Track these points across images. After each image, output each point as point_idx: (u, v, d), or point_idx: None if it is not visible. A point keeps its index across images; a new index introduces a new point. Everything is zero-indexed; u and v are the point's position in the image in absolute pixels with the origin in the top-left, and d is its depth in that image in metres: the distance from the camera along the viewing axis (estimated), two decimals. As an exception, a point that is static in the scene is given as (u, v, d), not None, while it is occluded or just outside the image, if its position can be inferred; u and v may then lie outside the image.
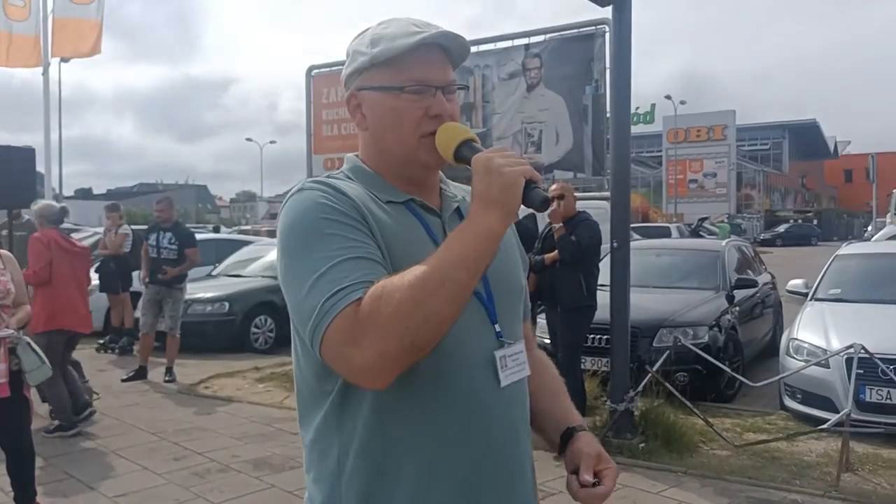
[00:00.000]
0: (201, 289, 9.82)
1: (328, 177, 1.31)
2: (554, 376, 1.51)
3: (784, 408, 6.10)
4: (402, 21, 1.31)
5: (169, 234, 7.83)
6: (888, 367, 5.04)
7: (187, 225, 9.92)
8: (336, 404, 1.23)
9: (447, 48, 1.31)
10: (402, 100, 1.28)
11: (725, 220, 42.70)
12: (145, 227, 9.02)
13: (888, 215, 31.24)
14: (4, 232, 7.75)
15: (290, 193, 1.27)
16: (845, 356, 5.26)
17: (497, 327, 1.29)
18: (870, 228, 30.01)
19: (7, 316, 3.91)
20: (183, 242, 7.86)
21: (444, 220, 1.34)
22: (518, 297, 1.40)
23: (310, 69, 8.28)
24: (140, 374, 7.74)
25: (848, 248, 8.22)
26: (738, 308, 7.47)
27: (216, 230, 20.78)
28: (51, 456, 5.17)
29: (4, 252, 4.19)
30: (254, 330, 9.76)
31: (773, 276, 9.79)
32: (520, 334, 1.36)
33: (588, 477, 1.28)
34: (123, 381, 7.62)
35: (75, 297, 5.86)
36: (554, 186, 5.67)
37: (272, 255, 11.04)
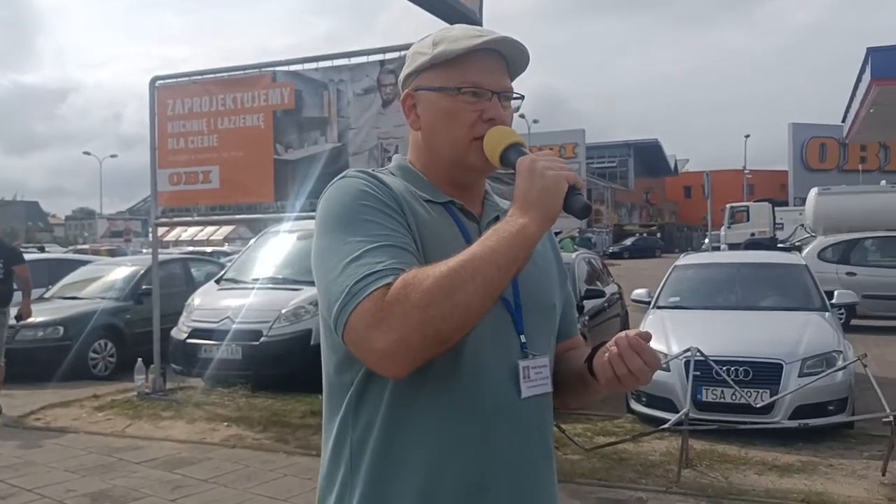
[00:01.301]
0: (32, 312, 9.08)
1: (373, 169, 1.31)
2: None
3: (631, 411, 6.38)
4: (465, 26, 1.35)
5: None
6: (721, 369, 5.39)
7: (15, 245, 9.16)
8: (353, 401, 1.23)
9: (507, 56, 1.33)
10: (457, 101, 1.29)
11: (574, 236, 44.69)
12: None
13: (722, 228, 33.86)
14: None
15: (333, 181, 1.28)
16: (683, 359, 5.57)
17: (523, 338, 1.28)
18: (706, 241, 32.33)
19: None
20: (8, 260, 7.22)
21: (482, 226, 1.33)
22: (549, 315, 1.38)
23: (154, 80, 7.88)
24: None
25: (685, 259, 8.77)
26: (587, 317, 7.77)
27: (41, 249, 19.30)
28: None
29: None
30: (92, 355, 9.12)
31: (619, 287, 10.29)
32: (547, 350, 1.33)
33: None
34: None
35: None
36: None
37: (114, 275, 10.44)
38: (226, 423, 6.41)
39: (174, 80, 7.93)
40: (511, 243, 1.11)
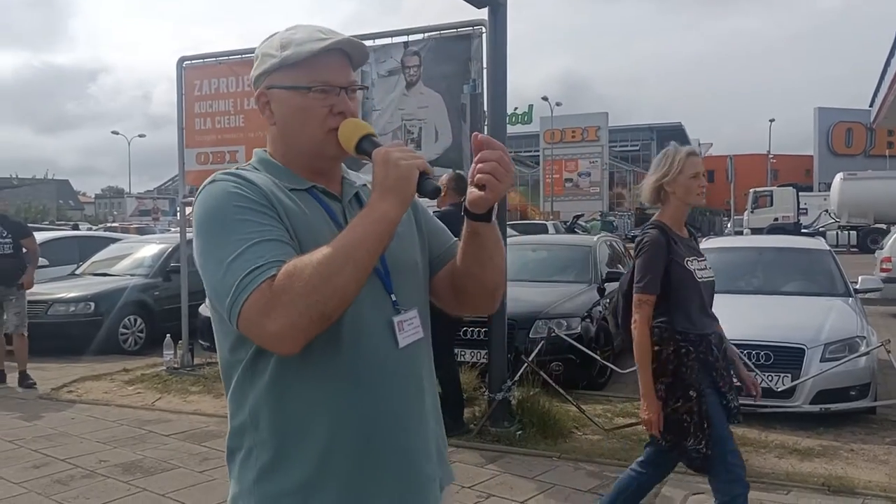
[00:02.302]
0: (63, 288, 9.28)
1: (237, 168, 1.44)
2: None
3: (651, 393, 6.41)
4: (309, 28, 1.47)
5: None
6: (742, 352, 5.39)
7: (46, 222, 9.34)
8: (248, 369, 1.38)
9: (349, 53, 1.48)
10: (308, 98, 1.43)
11: (597, 218, 44.47)
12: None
13: (745, 213, 33.61)
14: None
15: (202, 186, 1.40)
16: (705, 342, 5.59)
17: (393, 297, 1.45)
18: (729, 225, 32.09)
19: None
20: (17, 234, 7.36)
21: (344, 204, 1.49)
22: (413, 272, 1.53)
23: (181, 60, 7.97)
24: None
25: (707, 243, 8.74)
26: (608, 300, 7.79)
27: (74, 227, 19.64)
28: None
29: None
30: (122, 331, 9.31)
31: (641, 270, 10.25)
32: (415, 303, 1.50)
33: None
34: None
35: None
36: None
37: (143, 253, 10.60)
38: (252, 399, 6.53)
39: (201, 60, 8.01)
40: (376, 228, 1.28)
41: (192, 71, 7.91)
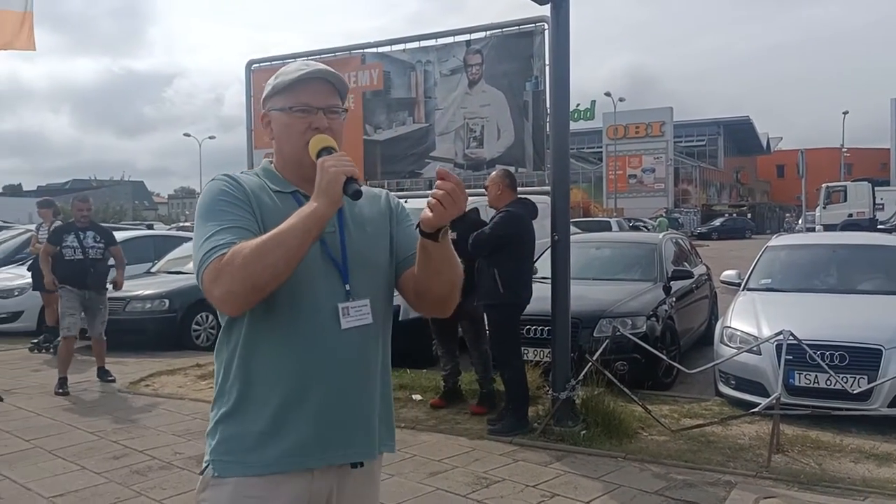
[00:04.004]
0: (140, 286, 9.62)
1: (240, 172, 1.78)
2: None
3: (719, 394, 6.31)
4: (300, 62, 1.80)
5: (91, 233, 7.52)
6: (815, 353, 5.26)
7: (123, 223, 9.69)
8: (226, 330, 1.73)
9: (331, 80, 1.79)
10: (291, 117, 1.75)
11: (663, 215, 43.71)
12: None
13: (817, 209, 32.53)
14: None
15: (207, 182, 1.76)
16: (775, 343, 5.46)
17: (347, 286, 1.72)
18: (800, 222, 31.13)
19: None
20: (108, 241, 7.62)
21: None
22: (375, 269, 1.80)
23: (249, 63, 8.15)
24: (63, 384, 7.10)
25: (778, 240, 8.52)
26: (674, 298, 7.68)
27: (150, 227, 20.40)
28: (-17, 458, 5.02)
29: None
30: (195, 327, 9.63)
31: (708, 268, 10.08)
32: (369, 294, 1.75)
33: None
34: (58, 394, 7.04)
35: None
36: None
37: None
38: (319, 395, 6.66)
39: (269, 63, 8.18)
40: (306, 221, 1.55)
41: (259, 73, 8.08)
